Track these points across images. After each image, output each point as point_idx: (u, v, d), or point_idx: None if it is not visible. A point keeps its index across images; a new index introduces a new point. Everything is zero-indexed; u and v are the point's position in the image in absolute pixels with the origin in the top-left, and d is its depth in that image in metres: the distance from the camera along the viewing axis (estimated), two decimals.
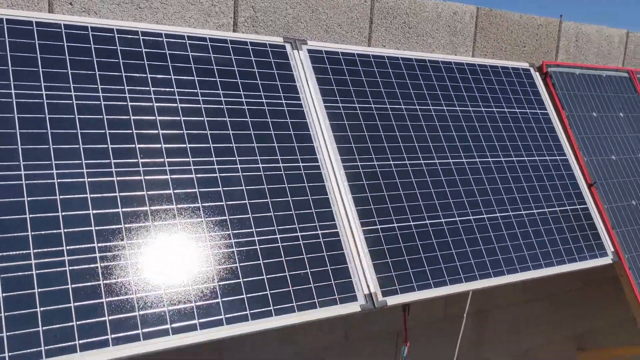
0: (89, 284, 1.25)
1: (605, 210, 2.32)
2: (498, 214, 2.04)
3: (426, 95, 2.07)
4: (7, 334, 1.14)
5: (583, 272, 2.89)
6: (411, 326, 2.38)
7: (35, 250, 1.22)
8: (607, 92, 2.66)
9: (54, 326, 1.19)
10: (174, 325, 1.30)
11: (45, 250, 1.23)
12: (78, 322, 1.21)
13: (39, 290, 1.20)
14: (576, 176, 2.33)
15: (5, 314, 1.15)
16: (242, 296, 1.40)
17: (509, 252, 1.98)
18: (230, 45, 1.70)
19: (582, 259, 2.16)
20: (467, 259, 1.87)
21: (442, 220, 1.88)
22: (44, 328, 1.17)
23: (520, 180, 2.18)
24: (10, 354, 1.12)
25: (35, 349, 1.15)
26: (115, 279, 1.28)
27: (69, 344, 1.19)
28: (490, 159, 2.12)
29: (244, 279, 1.43)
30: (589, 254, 2.17)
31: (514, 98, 2.33)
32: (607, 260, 2.21)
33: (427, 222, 1.84)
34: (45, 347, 1.16)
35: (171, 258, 1.36)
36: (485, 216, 2.00)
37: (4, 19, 1.40)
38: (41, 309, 1.18)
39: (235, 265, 1.43)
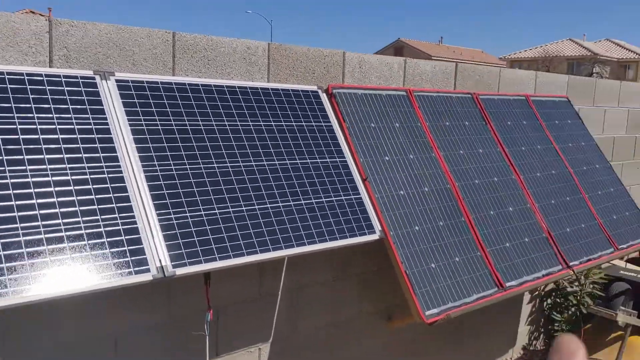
0: None
1: (376, 199, 2.96)
2: (292, 203, 2.60)
3: (222, 114, 2.61)
4: None
5: (374, 253, 3.51)
6: (228, 304, 2.88)
7: None
8: (386, 107, 3.34)
9: None
10: None
11: None
12: None
13: None
14: (352, 173, 2.95)
15: None
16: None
17: (298, 230, 2.54)
18: (45, 79, 2.14)
19: (355, 235, 2.77)
20: (249, 237, 2.41)
21: (230, 209, 2.41)
22: None
23: (309, 177, 2.77)
24: None
25: None
26: None
27: None
28: (276, 162, 2.68)
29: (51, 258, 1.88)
30: (359, 232, 2.78)
31: (302, 114, 2.92)
32: (375, 236, 2.84)
33: (217, 211, 2.36)
34: None
35: None
36: (280, 204, 2.55)
37: None
38: None
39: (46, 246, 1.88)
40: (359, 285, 3.54)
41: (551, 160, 4.13)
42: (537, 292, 4.95)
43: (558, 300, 4.96)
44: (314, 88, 3.05)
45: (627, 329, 4.60)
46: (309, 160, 2.80)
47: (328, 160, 2.88)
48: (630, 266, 5.18)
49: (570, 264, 3.64)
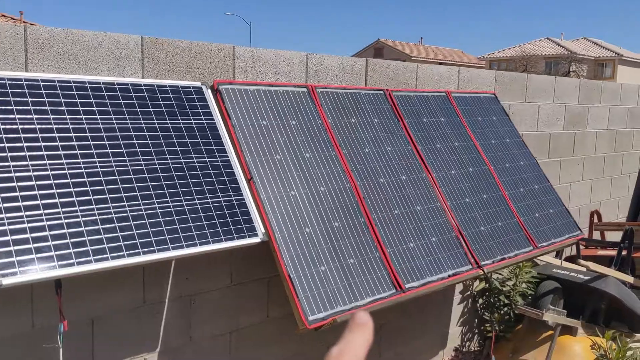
0: None
1: (261, 200, 2.83)
2: (168, 203, 2.46)
3: (81, 111, 2.46)
4: None
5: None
6: (106, 313, 2.74)
7: None
8: (282, 104, 3.20)
9: None
10: None
11: None
12: None
13: None
14: (236, 173, 2.82)
15: None
16: None
17: (169, 234, 2.40)
18: None
19: (232, 239, 2.63)
20: (117, 241, 2.27)
21: (96, 212, 2.26)
22: None
23: (182, 177, 2.63)
24: None
25: None
26: None
27: None
28: (142, 163, 2.54)
29: None
30: (238, 236, 2.65)
31: (180, 112, 2.78)
32: (257, 239, 2.71)
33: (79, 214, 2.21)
34: None
35: None
36: (156, 206, 2.41)
37: None
38: None
39: None
40: (266, 289, 3.41)
41: (469, 158, 4.03)
42: (468, 292, 4.85)
43: (491, 300, 4.87)
44: (197, 84, 2.91)
45: (556, 329, 4.51)
46: (183, 161, 2.66)
47: (207, 159, 2.75)
48: (566, 264, 5.10)
49: (482, 263, 3.54)
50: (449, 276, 3.33)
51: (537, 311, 4.27)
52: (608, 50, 57.07)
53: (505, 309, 4.83)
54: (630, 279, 4.94)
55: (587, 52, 56.19)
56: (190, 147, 2.72)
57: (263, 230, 2.75)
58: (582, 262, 4.45)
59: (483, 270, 3.49)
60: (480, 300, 4.85)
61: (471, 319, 4.92)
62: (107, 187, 2.38)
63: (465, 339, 4.89)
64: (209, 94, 2.94)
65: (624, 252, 5.05)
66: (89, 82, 2.53)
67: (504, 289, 4.79)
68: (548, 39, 58.94)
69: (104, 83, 2.57)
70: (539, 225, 4.10)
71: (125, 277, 2.78)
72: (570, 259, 5.53)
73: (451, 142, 4.00)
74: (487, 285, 4.81)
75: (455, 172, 3.85)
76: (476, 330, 4.99)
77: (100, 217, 2.30)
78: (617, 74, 53.56)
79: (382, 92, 3.79)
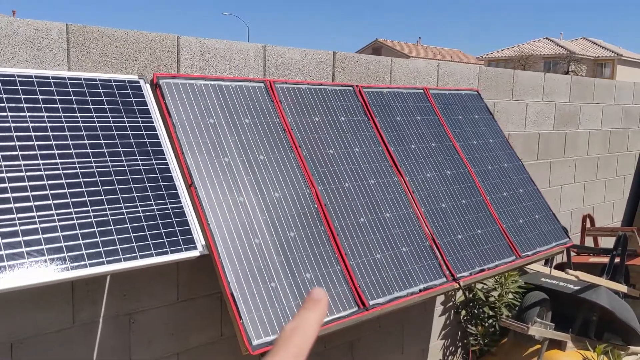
0: None
1: (203, 208, 2.51)
2: (88, 213, 2.15)
3: None
4: None
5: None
6: (28, 336, 2.42)
7: None
8: (234, 100, 2.89)
9: None
10: None
11: None
12: None
13: None
14: (174, 177, 2.50)
15: None
16: None
17: (87, 248, 2.09)
18: None
19: (168, 252, 2.32)
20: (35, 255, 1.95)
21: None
22: None
23: (112, 183, 2.31)
24: None
25: None
26: None
27: None
28: (59, 165, 2.22)
29: None
30: (172, 249, 2.33)
31: (111, 108, 2.47)
32: (194, 253, 2.39)
33: None
34: None
35: None
36: (73, 216, 2.10)
37: None
38: None
39: None
40: (219, 304, 3.10)
41: (447, 160, 3.71)
42: (451, 303, 4.54)
43: (475, 311, 4.56)
44: (134, 78, 2.60)
45: (544, 343, 4.20)
46: (110, 164, 2.35)
47: (140, 162, 2.43)
48: (556, 273, 4.78)
49: (458, 275, 3.22)
50: (420, 291, 3.01)
51: (522, 325, 3.96)
52: (607, 50, 56.77)
53: (490, 321, 4.52)
54: (623, 288, 4.63)
55: (586, 52, 55.90)
56: (120, 149, 2.40)
57: (203, 243, 2.43)
58: (571, 271, 4.14)
59: (459, 284, 3.17)
60: (463, 312, 4.53)
61: (454, 332, 4.60)
62: (13, 195, 2.06)
63: (447, 354, 4.57)
64: (147, 89, 2.63)
65: (616, 260, 4.74)
66: (0, 75, 2.21)
67: (489, 299, 4.48)
68: (547, 38, 58.65)
69: (18, 76, 2.26)
70: (523, 232, 3.79)
71: (49, 294, 2.47)
72: (561, 267, 5.22)
73: (428, 142, 3.68)
74: (470, 295, 4.49)
75: (431, 176, 3.54)
76: (460, 344, 4.67)
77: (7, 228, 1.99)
78: (616, 74, 53.27)
79: (351, 88, 3.48)
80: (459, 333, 4.66)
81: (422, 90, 3.93)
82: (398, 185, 3.33)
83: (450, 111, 4.02)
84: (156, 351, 2.85)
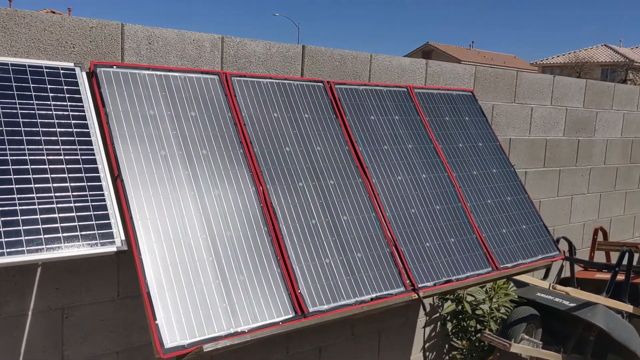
0: None
1: (127, 202, 2.41)
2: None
3: None
4: None
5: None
6: None
7: None
8: (180, 92, 2.78)
9: None
10: None
11: None
12: None
13: None
14: (100, 169, 2.41)
15: None
16: None
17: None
18: None
19: (81, 246, 2.22)
20: None
21: None
22: None
23: (27, 172, 2.24)
24: None
25: None
26: None
27: None
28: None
29: None
30: (87, 243, 2.24)
31: (38, 95, 2.39)
32: (111, 248, 2.29)
33: None
34: None
35: None
36: None
37: None
38: None
39: None
40: None
41: (424, 162, 3.51)
42: (437, 314, 4.31)
43: (464, 323, 4.32)
44: (69, 65, 2.52)
45: None
46: (27, 152, 2.27)
47: (62, 152, 2.34)
48: (558, 287, 4.48)
49: (419, 285, 3.02)
50: (372, 300, 2.83)
51: (504, 341, 3.70)
52: None
53: (478, 335, 4.27)
54: (627, 307, 4.30)
55: None
56: (41, 137, 2.32)
57: (123, 238, 2.33)
58: (559, 287, 3.86)
59: (417, 294, 2.97)
60: (450, 325, 4.30)
61: (440, 345, 4.37)
62: None
63: None
64: (83, 78, 2.55)
65: (621, 277, 4.41)
66: None
67: (477, 312, 4.23)
68: (605, 45, 56.62)
69: None
70: (505, 243, 3.54)
71: None
72: (565, 282, 4.91)
73: (403, 143, 3.49)
74: (458, 307, 4.26)
75: (402, 178, 3.35)
76: (446, 358, 4.44)
77: None
78: None
79: (320, 84, 3.32)
80: (446, 346, 4.42)
81: (405, 89, 3.73)
82: (362, 187, 3.15)
83: (436, 112, 3.81)
84: (92, 348, 2.76)
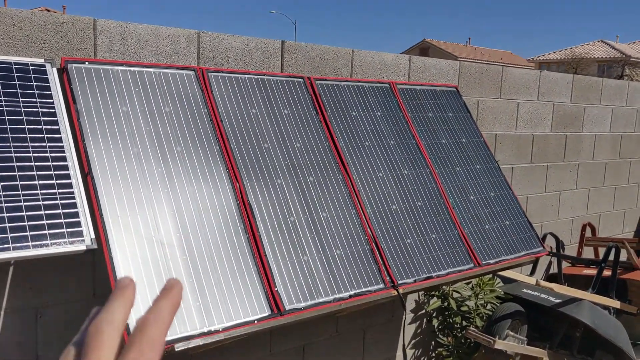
0: None
1: (98, 198, 2.38)
2: None
3: None
4: None
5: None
6: None
7: None
8: (154, 87, 2.75)
9: None
10: None
11: None
12: None
13: None
14: (70, 166, 2.38)
15: None
16: None
17: None
18: None
19: (49, 245, 2.19)
20: None
21: None
22: None
23: (2, 169, 2.20)
24: None
25: None
26: None
27: None
28: None
29: None
30: (55, 242, 2.20)
31: (6, 92, 2.36)
32: (81, 247, 2.26)
33: None
34: None
35: None
36: None
37: None
38: None
39: None
40: None
41: (406, 159, 3.48)
42: (423, 311, 4.29)
43: (450, 320, 4.29)
44: (39, 61, 2.49)
45: (515, 358, 3.91)
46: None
47: (30, 148, 2.31)
48: (544, 284, 4.46)
49: (399, 282, 2.99)
50: (350, 297, 2.80)
51: (488, 337, 3.68)
52: None
53: (464, 331, 4.25)
54: (614, 303, 4.28)
55: None
56: (8, 134, 2.29)
57: (93, 236, 2.29)
58: (543, 283, 3.83)
59: (397, 291, 2.94)
60: (436, 321, 4.28)
61: (426, 342, 4.35)
62: None
63: None
64: (54, 74, 2.51)
65: (607, 272, 4.39)
66: None
67: (462, 309, 4.21)
68: (602, 41, 56.58)
69: None
70: (488, 239, 3.52)
71: None
72: (552, 278, 4.88)
73: (385, 140, 3.46)
74: (444, 304, 4.23)
75: (383, 175, 3.32)
76: (433, 355, 4.42)
77: None
78: None
79: (301, 79, 3.29)
80: (432, 343, 4.40)
81: (387, 85, 3.70)
82: (342, 183, 3.12)
83: (419, 108, 3.78)
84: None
